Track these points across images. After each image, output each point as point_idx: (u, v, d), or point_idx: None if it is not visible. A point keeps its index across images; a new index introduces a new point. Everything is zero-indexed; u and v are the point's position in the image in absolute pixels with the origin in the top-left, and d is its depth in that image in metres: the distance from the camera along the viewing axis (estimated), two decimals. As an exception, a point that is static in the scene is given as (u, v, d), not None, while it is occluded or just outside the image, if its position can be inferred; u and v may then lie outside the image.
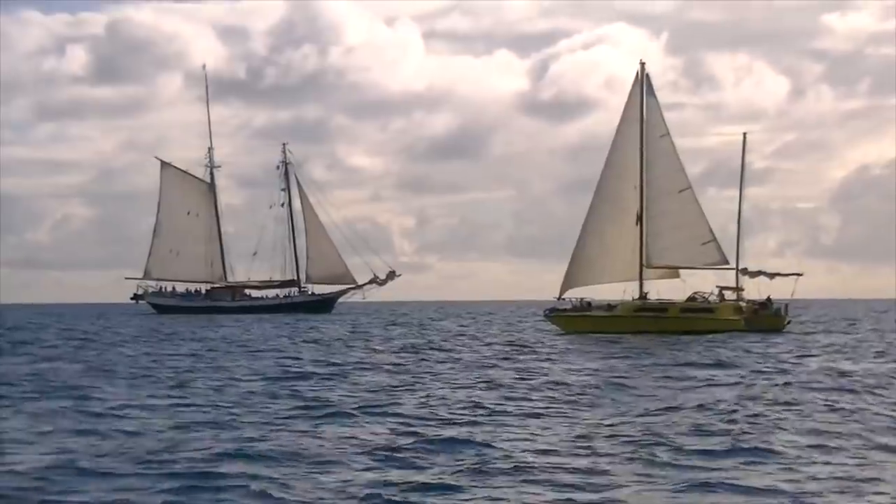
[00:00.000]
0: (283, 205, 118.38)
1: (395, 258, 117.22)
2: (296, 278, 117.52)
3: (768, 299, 62.86)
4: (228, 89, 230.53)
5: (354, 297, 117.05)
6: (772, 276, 62.84)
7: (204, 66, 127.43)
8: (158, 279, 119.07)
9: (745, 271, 63.03)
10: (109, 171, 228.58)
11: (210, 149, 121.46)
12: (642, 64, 63.38)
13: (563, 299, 62.71)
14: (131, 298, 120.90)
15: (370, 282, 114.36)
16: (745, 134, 65.40)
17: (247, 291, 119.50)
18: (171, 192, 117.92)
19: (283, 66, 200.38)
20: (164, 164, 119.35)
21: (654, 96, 63.25)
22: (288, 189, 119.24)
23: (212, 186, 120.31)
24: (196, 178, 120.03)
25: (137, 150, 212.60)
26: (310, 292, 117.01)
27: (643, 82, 62.91)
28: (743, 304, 62.68)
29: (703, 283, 64.01)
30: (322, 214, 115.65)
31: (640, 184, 62.22)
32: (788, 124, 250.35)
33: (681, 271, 63.24)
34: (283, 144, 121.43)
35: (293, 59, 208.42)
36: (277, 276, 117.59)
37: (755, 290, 63.21)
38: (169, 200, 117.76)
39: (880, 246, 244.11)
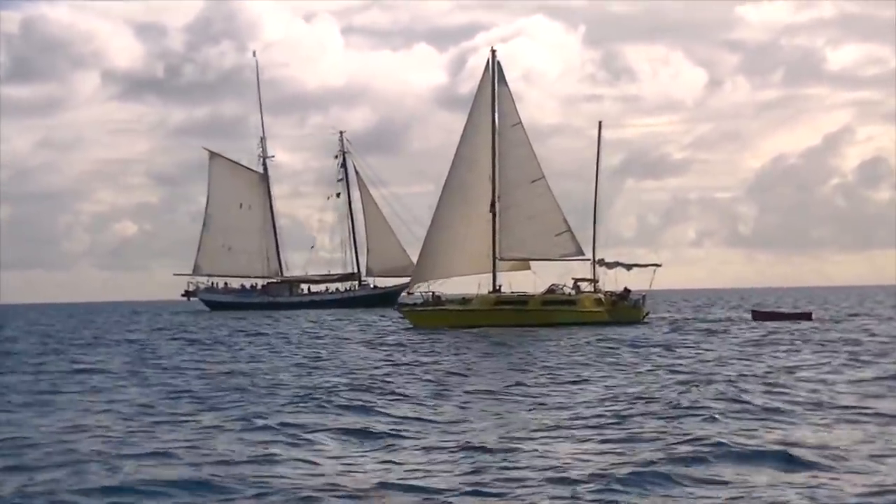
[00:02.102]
0: (339, 195, 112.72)
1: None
2: (356, 272, 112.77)
3: (626, 290, 61.60)
4: (145, 87, 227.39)
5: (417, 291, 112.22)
6: (629, 266, 61.45)
7: (254, 53, 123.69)
8: (209, 275, 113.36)
9: (601, 262, 61.65)
10: (25, 171, 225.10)
11: (262, 138, 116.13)
12: (493, 51, 61.89)
13: (412, 293, 61.06)
14: (182, 295, 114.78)
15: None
16: (600, 122, 63.93)
17: (303, 286, 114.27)
18: (221, 184, 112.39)
19: (201, 63, 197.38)
20: (212, 155, 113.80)
21: (506, 85, 61.71)
22: (346, 179, 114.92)
23: (264, 177, 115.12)
24: (248, 168, 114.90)
25: (53, 149, 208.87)
26: (371, 286, 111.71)
27: (494, 70, 61.33)
28: (601, 295, 61.41)
29: (552, 275, 62.49)
30: (384, 206, 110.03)
31: (493, 174, 60.69)
32: (706, 115, 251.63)
33: (532, 263, 61.75)
34: (341, 133, 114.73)
35: (211, 56, 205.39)
36: (337, 270, 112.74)
37: (612, 281, 61.85)
38: (219, 193, 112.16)
39: (796, 234, 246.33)
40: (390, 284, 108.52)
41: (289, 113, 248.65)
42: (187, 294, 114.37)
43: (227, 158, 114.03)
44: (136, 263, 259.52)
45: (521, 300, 60.22)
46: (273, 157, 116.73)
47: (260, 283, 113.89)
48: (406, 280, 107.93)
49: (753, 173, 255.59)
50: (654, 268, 61.49)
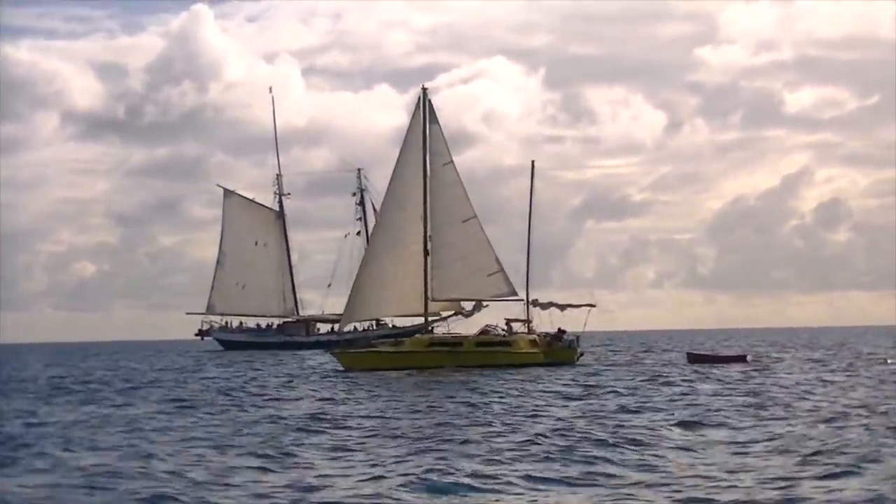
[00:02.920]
0: (358, 233, 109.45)
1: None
2: None
3: (560, 331, 60.86)
4: (106, 127, 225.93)
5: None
6: (563, 307, 60.76)
7: (270, 89, 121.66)
8: (223, 314, 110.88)
9: (535, 303, 60.90)
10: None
11: (279, 176, 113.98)
12: (424, 89, 61.20)
13: (344, 332, 60.15)
14: (196, 335, 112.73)
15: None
16: (532, 162, 63.40)
17: (319, 326, 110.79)
18: (236, 221, 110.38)
19: (162, 104, 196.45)
20: (227, 193, 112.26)
21: (438, 123, 61.04)
22: (364, 218, 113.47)
23: (280, 215, 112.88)
24: (263, 206, 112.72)
25: (12, 189, 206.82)
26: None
27: (425, 108, 60.67)
28: (536, 336, 60.68)
29: (485, 317, 61.78)
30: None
31: (424, 214, 59.94)
32: (665, 157, 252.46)
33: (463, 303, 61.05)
34: (359, 170, 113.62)
35: (171, 96, 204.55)
36: None
37: (547, 321, 61.11)
38: (234, 231, 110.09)
39: (755, 276, 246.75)
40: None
41: (251, 153, 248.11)
42: (201, 333, 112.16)
43: (241, 196, 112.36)
44: (94, 304, 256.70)
45: (455, 342, 59.42)
46: (289, 194, 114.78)
47: (276, 322, 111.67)
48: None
49: (712, 214, 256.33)
50: (588, 308, 60.86)
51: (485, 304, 62.76)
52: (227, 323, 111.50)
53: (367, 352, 58.89)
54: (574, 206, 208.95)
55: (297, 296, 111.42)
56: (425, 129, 60.53)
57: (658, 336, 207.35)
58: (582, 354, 61.32)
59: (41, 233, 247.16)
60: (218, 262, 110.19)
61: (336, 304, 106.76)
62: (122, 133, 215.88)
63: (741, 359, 61.79)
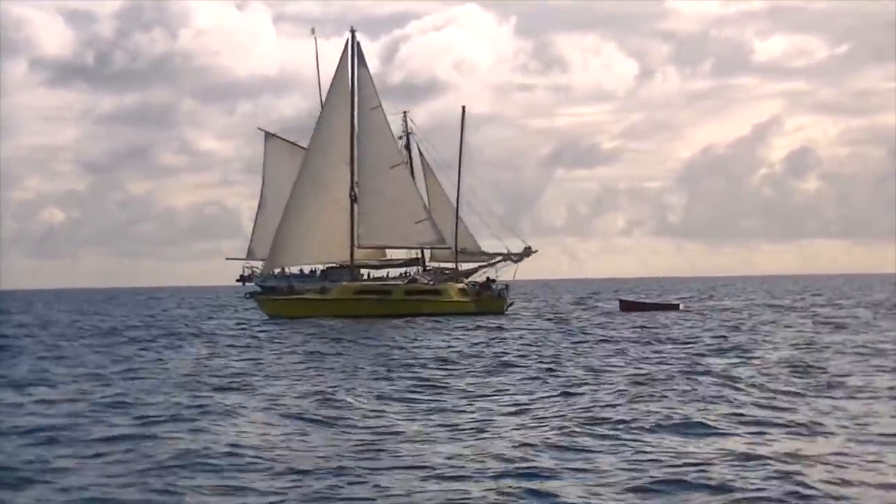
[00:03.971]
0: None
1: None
2: (419, 256, 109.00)
3: (488, 280, 60.16)
4: (75, 74, 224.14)
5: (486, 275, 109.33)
6: (491, 256, 60.08)
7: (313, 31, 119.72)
8: (264, 258, 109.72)
9: (464, 251, 60.13)
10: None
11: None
12: (352, 31, 59.71)
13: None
14: (237, 280, 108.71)
15: (504, 258, 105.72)
16: (463, 107, 62.34)
17: (363, 272, 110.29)
18: (278, 165, 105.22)
19: (131, 51, 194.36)
20: (268, 136, 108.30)
21: (366, 67, 59.75)
22: (410, 162, 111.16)
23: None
24: (306, 149, 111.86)
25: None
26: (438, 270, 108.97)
27: (354, 51, 59.33)
28: (465, 285, 59.97)
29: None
30: (449, 187, 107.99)
31: (351, 159, 58.81)
32: (636, 105, 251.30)
33: (388, 250, 60.14)
34: (405, 112, 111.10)
35: (141, 43, 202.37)
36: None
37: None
38: (275, 174, 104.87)
39: (725, 225, 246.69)
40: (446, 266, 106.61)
41: (221, 101, 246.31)
42: (242, 279, 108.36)
43: (284, 139, 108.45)
44: (63, 251, 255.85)
45: (384, 290, 58.60)
46: None
47: (320, 267, 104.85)
48: (473, 265, 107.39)
49: (682, 163, 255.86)
50: (515, 258, 60.16)
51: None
52: (283, 269, 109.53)
53: (293, 299, 57.91)
54: (544, 155, 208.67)
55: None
56: (353, 72, 59.23)
57: (629, 283, 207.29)
58: (511, 304, 60.57)
59: (9, 180, 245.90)
60: (259, 206, 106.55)
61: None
62: (91, 80, 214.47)
63: (673, 307, 61.18)
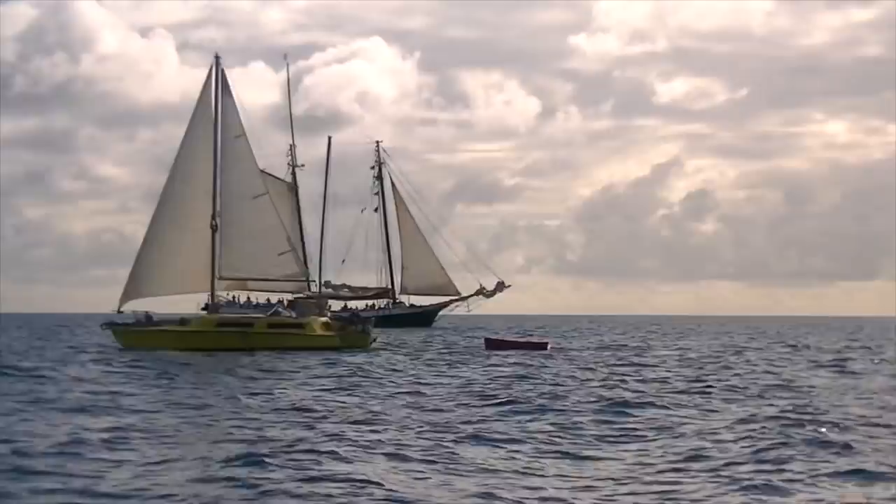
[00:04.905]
0: (376, 209, 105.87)
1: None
2: (390, 289, 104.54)
3: (353, 314, 59.00)
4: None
5: (457, 310, 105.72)
6: (355, 290, 58.95)
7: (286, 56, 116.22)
8: (228, 287, 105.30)
9: (328, 285, 58.93)
10: None
11: (292, 146, 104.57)
12: (217, 57, 58.41)
13: (122, 312, 57.17)
14: (202, 309, 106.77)
15: (477, 293, 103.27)
16: (378, 142, 61.32)
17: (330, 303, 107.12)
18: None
19: (32, 75, 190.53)
20: None
21: (231, 94, 58.38)
22: (381, 192, 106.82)
23: (293, 187, 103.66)
24: (275, 177, 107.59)
25: None
26: (408, 304, 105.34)
27: (218, 77, 58.01)
28: (329, 319, 58.74)
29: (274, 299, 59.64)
30: (422, 220, 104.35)
31: (214, 188, 57.35)
32: (538, 143, 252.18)
33: (249, 283, 58.70)
34: (377, 142, 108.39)
35: (42, 67, 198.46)
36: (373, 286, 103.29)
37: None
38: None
39: (623, 264, 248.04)
40: (427, 303, 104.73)
41: (122, 128, 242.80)
42: (207, 309, 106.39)
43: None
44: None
45: (245, 322, 57.09)
46: (303, 166, 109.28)
47: (287, 298, 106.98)
48: (446, 299, 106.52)
49: (582, 202, 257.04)
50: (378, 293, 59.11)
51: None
52: (234, 297, 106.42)
53: (150, 330, 56.08)
54: (445, 190, 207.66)
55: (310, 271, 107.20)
56: (217, 100, 57.90)
57: (526, 321, 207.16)
58: (375, 339, 59.37)
59: None
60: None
61: (351, 281, 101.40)
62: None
63: (541, 346, 60.35)
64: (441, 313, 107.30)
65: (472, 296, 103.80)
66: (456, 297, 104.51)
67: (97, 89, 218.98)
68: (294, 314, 58.33)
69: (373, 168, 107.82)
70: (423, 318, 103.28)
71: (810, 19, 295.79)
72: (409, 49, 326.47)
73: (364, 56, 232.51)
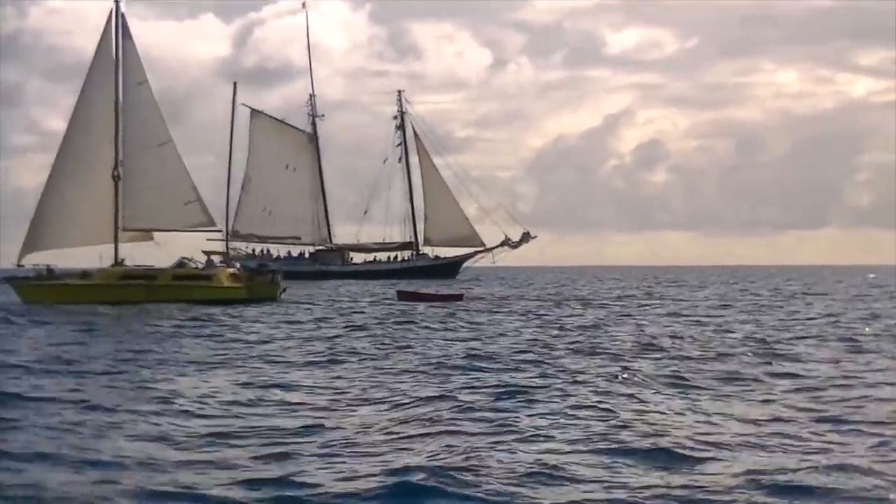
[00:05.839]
0: (400, 160, 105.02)
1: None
2: (413, 241, 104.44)
3: (261, 265, 57.71)
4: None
5: (482, 261, 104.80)
6: (264, 240, 57.64)
7: (304, 4, 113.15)
8: (246, 239, 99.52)
9: (236, 235, 57.51)
10: None
11: (312, 96, 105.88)
12: (116, 2, 56.54)
13: (23, 266, 55.59)
14: (220, 262, 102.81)
15: (502, 244, 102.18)
16: (235, 83, 59.65)
17: (351, 255, 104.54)
18: (264, 143, 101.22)
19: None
20: (254, 113, 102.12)
21: (132, 39, 56.56)
22: (405, 142, 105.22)
23: (314, 138, 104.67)
24: (295, 128, 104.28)
25: None
26: (432, 256, 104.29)
27: (118, 23, 56.20)
28: (236, 270, 57.38)
29: (181, 248, 58.25)
30: (445, 171, 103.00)
31: (116, 137, 55.73)
32: (489, 94, 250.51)
33: (155, 234, 57.15)
34: (399, 92, 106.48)
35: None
36: (396, 238, 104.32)
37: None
38: (261, 153, 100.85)
39: (575, 215, 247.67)
40: (451, 255, 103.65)
41: (71, 81, 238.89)
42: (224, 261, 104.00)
43: (271, 116, 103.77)
44: None
45: (149, 275, 55.55)
46: (323, 116, 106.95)
47: (308, 250, 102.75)
48: (468, 250, 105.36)
49: (534, 153, 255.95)
50: (292, 241, 57.82)
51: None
52: (253, 250, 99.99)
53: (52, 285, 54.53)
54: (397, 141, 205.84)
55: (331, 223, 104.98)
56: (117, 45, 56.16)
57: (476, 272, 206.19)
58: (284, 290, 58.16)
59: None
60: (242, 186, 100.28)
61: (373, 233, 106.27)
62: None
63: (457, 297, 59.32)
64: (465, 265, 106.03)
65: (496, 247, 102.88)
66: (481, 249, 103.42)
67: (45, 42, 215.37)
68: (200, 265, 56.75)
69: (395, 118, 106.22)
70: (447, 269, 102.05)
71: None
72: (360, 2, 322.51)
73: (315, 8, 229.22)
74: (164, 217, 56.56)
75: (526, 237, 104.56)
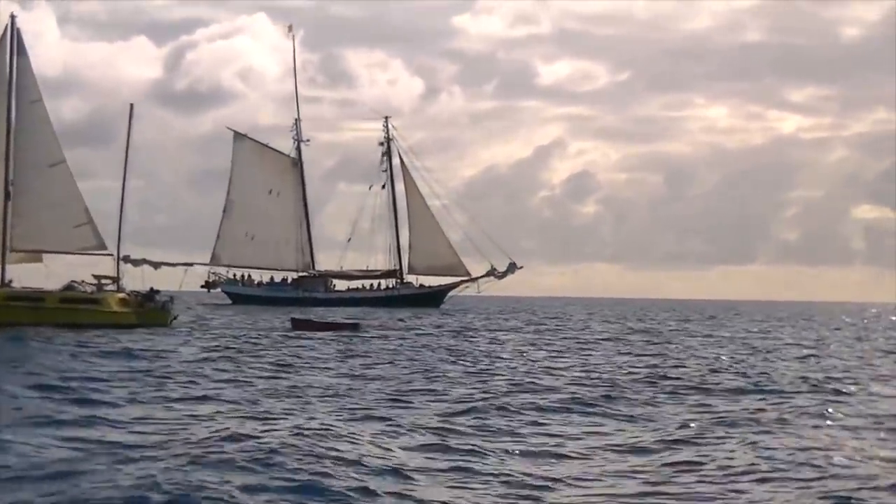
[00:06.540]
0: (383, 186, 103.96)
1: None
2: (398, 268, 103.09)
3: (152, 290, 56.50)
4: None
5: (467, 290, 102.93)
6: (157, 265, 56.45)
7: (290, 28, 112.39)
8: (229, 265, 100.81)
9: (126, 259, 56.38)
10: None
11: (297, 120, 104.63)
12: (12, 17, 55.42)
13: None
14: (202, 286, 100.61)
15: (487, 274, 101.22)
16: (131, 105, 58.60)
17: (333, 283, 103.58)
18: (248, 167, 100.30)
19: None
20: (237, 136, 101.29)
21: (27, 55, 55.41)
22: (390, 169, 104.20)
23: (297, 162, 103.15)
24: (278, 152, 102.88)
25: None
26: (417, 284, 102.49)
27: (13, 39, 54.98)
28: (127, 295, 56.12)
29: (77, 272, 56.90)
30: (432, 199, 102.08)
31: (7, 154, 54.47)
32: (421, 122, 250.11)
33: (44, 256, 55.89)
34: (386, 118, 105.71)
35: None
36: (380, 266, 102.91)
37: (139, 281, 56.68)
38: (244, 177, 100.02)
39: (503, 244, 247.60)
40: (436, 283, 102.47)
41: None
42: (207, 285, 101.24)
43: (254, 140, 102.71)
44: None
45: (36, 297, 54.18)
46: (308, 141, 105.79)
47: (291, 276, 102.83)
48: (454, 279, 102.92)
49: (465, 183, 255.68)
50: (185, 268, 56.78)
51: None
52: (234, 275, 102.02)
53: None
54: (328, 168, 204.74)
55: (314, 250, 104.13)
56: (12, 61, 54.93)
57: (460, 301, 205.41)
58: (176, 317, 57.00)
59: None
60: (224, 210, 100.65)
61: (357, 260, 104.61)
62: None
63: (353, 326, 58.44)
64: (450, 294, 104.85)
65: (482, 277, 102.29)
66: (466, 279, 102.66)
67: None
68: (91, 289, 55.44)
69: (381, 144, 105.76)
70: (431, 298, 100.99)
71: (692, 4, 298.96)
72: (294, 27, 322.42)
73: (248, 32, 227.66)
74: (54, 238, 55.31)
75: (512, 268, 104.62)
